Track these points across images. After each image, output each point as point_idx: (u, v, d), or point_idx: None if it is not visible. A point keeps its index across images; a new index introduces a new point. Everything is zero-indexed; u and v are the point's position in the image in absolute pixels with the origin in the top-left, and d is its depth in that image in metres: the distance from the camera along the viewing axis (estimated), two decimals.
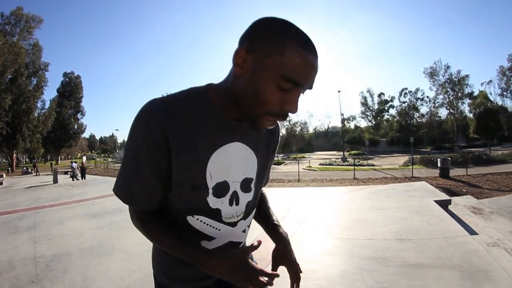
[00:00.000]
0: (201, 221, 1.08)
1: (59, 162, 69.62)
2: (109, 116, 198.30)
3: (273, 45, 0.83)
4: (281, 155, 51.83)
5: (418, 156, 28.42)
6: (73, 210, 9.93)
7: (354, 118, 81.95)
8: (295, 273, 1.23)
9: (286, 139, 56.91)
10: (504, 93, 52.76)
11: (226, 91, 0.98)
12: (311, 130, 79.08)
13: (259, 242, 1.01)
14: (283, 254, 1.24)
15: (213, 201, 1.07)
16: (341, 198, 11.16)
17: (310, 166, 29.85)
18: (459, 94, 54.59)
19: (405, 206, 8.82)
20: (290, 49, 0.82)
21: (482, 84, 54.91)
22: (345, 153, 50.56)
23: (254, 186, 1.18)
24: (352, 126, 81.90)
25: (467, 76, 53.70)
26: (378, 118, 75.59)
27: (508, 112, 50.04)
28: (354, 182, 17.80)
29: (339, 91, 59.45)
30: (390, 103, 69.35)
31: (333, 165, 31.79)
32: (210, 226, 1.10)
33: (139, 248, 5.57)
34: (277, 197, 11.69)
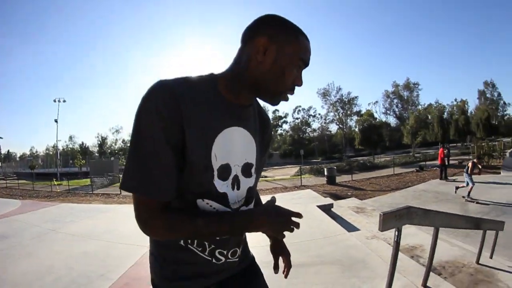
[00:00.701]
0: (210, 205, 1.09)
1: None
2: None
3: (291, 36, 1.03)
4: None
5: (308, 166, 30.14)
6: None
7: None
8: (289, 263, 1.50)
9: None
10: (388, 111, 61.56)
11: (235, 78, 1.08)
12: None
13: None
14: (281, 249, 1.50)
15: (219, 184, 1.09)
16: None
17: None
18: (349, 112, 59.93)
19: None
20: (300, 38, 1.05)
21: (369, 104, 65.51)
22: None
23: (255, 172, 1.22)
24: None
25: (356, 97, 60.19)
26: (272, 132, 78.81)
27: (390, 127, 60.16)
28: None
29: None
30: (284, 119, 72.58)
31: None
32: (217, 210, 1.11)
33: (27, 278, 4.60)
34: None
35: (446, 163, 18.14)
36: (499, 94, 63.28)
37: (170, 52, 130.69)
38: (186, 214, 1.03)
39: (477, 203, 11.15)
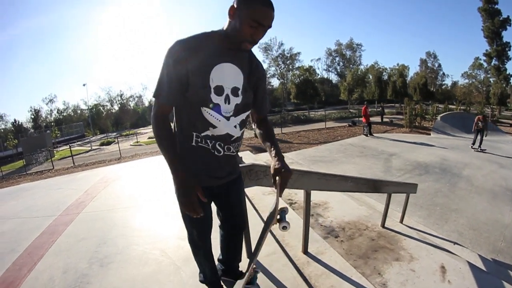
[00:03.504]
0: (208, 112, 1.71)
1: None
2: None
3: (249, 5, 1.59)
4: (114, 133, 49.06)
5: None
6: None
7: None
8: (282, 183, 1.80)
9: (118, 117, 58.13)
10: (329, 68, 66.11)
11: (223, 32, 1.70)
12: (146, 104, 76.22)
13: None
14: (279, 172, 1.80)
15: (214, 97, 1.69)
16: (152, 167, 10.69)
17: (137, 142, 30.37)
18: (290, 67, 58.79)
19: None
20: (257, 7, 1.58)
21: (312, 60, 67.82)
22: None
23: (241, 94, 1.79)
24: None
25: (298, 53, 59.29)
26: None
27: (332, 83, 65.14)
28: None
29: None
30: None
31: None
32: (214, 117, 1.72)
33: None
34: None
35: (370, 121, 18.38)
36: (439, 65, 66.97)
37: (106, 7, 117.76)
38: (171, 138, 1.71)
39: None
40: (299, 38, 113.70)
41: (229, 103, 1.73)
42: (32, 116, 63.59)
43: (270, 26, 1.64)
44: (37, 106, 64.49)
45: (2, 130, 61.70)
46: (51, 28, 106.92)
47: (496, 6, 45.73)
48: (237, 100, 1.77)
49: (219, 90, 1.69)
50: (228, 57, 1.71)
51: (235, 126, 1.83)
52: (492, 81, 48.74)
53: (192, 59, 1.62)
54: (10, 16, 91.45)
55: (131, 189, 6.58)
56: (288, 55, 57.52)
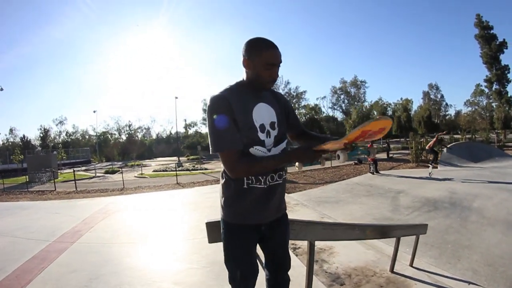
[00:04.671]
0: (256, 149, 1.91)
1: None
2: None
3: (258, 52, 1.86)
4: (119, 163, 49.51)
5: None
6: None
7: (195, 124, 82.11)
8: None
9: (125, 146, 59.33)
10: (335, 106, 68.87)
11: (246, 81, 1.96)
12: (154, 136, 79.60)
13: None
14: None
15: (261, 135, 1.93)
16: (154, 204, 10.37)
17: (142, 174, 29.83)
18: (296, 106, 60.07)
19: (212, 205, 8.97)
20: (264, 51, 1.86)
21: (317, 98, 69.39)
22: (184, 157, 52.43)
23: (277, 126, 2.04)
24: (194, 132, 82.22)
25: (304, 91, 61.85)
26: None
27: (337, 121, 66.08)
28: (176, 186, 17.49)
29: (176, 98, 56.73)
30: None
31: (167, 170, 31.40)
32: (261, 151, 1.93)
33: None
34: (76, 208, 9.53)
35: (376, 158, 18.46)
36: (442, 96, 68.65)
37: (118, 38, 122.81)
38: (255, 157, 1.87)
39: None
40: (305, 76, 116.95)
41: (269, 137, 1.97)
42: (41, 135, 65.75)
43: (281, 62, 1.91)
44: (47, 126, 67.68)
45: (10, 143, 63.73)
46: (69, 53, 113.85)
47: (491, 31, 47.01)
48: (275, 132, 2.01)
49: (262, 128, 1.94)
50: (259, 98, 1.98)
51: None
52: (494, 106, 49.07)
53: (234, 107, 1.83)
54: (32, 31, 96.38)
55: (129, 224, 6.65)
56: (294, 93, 59.08)
